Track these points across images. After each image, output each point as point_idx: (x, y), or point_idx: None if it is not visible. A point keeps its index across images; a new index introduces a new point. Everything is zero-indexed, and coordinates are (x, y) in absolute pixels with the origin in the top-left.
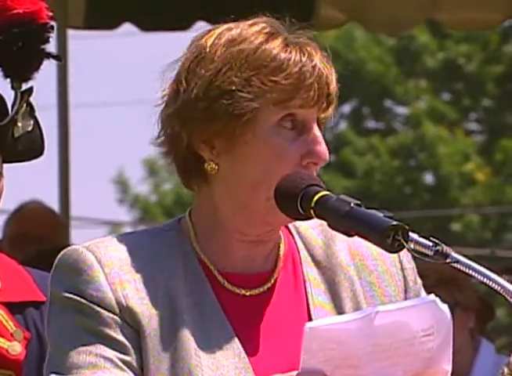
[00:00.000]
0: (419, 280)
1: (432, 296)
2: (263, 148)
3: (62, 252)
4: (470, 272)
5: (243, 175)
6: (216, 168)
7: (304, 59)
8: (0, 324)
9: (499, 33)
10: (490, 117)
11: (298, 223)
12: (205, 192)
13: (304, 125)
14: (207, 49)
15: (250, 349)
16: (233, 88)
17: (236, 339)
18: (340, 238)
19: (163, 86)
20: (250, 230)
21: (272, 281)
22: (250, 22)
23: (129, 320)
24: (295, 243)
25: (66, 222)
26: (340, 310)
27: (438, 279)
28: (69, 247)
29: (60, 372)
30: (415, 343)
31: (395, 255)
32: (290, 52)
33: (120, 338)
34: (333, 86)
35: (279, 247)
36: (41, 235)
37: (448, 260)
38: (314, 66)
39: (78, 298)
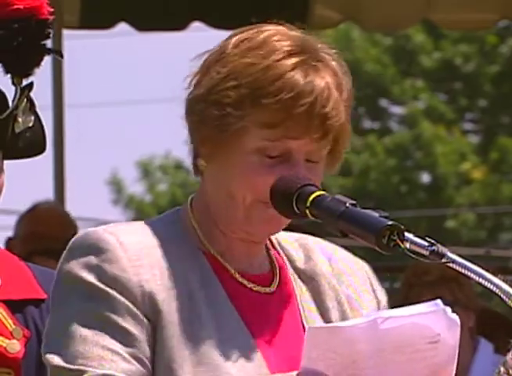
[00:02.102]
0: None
1: (441, 304)
2: (238, 166)
3: (77, 235)
4: (466, 271)
5: (221, 183)
6: (205, 165)
7: (307, 87)
8: None
9: (495, 33)
10: (486, 117)
11: (278, 236)
12: (201, 185)
13: (290, 157)
14: (227, 51)
15: (263, 348)
16: (227, 101)
17: (254, 341)
18: (317, 251)
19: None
20: (231, 233)
21: (277, 282)
22: (279, 35)
23: (148, 308)
24: (278, 252)
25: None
26: (327, 319)
27: (440, 276)
28: (85, 230)
29: (65, 359)
30: (420, 350)
31: (366, 275)
32: (295, 77)
33: (132, 329)
34: (336, 119)
35: (269, 250)
36: (53, 234)
37: (443, 260)
38: (314, 97)
39: (96, 282)
